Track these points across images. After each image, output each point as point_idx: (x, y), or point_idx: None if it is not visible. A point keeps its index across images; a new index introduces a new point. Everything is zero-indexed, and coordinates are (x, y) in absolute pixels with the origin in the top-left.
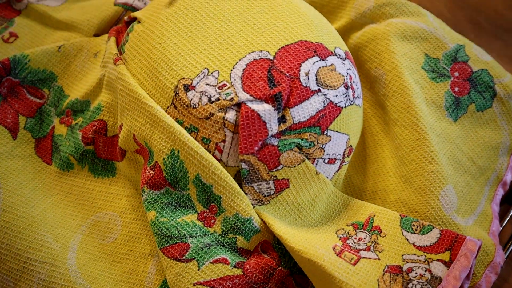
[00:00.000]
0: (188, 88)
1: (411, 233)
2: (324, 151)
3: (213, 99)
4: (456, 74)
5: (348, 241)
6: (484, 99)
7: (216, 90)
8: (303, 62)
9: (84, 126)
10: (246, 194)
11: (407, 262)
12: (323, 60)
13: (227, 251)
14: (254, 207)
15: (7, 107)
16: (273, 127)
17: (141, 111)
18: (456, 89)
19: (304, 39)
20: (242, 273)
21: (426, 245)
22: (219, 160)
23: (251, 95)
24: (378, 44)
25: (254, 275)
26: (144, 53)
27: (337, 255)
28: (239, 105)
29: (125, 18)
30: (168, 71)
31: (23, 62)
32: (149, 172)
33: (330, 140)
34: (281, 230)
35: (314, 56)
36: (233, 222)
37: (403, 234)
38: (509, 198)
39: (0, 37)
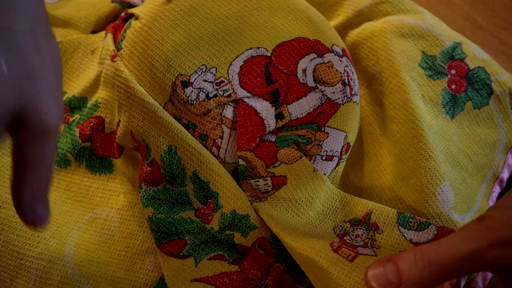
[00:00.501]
0: (185, 84)
1: (408, 229)
2: (321, 148)
3: (210, 95)
4: (453, 71)
5: (345, 238)
6: (481, 97)
7: (213, 87)
8: (300, 59)
9: (82, 122)
10: (243, 190)
11: None
12: (320, 57)
13: (225, 247)
14: (251, 203)
15: None
16: (271, 123)
17: (138, 107)
18: (453, 86)
19: (302, 36)
20: (239, 270)
21: (423, 242)
22: (217, 157)
23: (248, 92)
24: (375, 42)
25: (251, 271)
26: (141, 49)
27: (334, 251)
28: (236, 101)
29: (123, 14)
30: (166, 68)
31: None
32: (146, 168)
33: (327, 137)
34: (278, 226)
35: (311, 53)
36: (230, 219)
37: (400, 231)
38: None
39: None
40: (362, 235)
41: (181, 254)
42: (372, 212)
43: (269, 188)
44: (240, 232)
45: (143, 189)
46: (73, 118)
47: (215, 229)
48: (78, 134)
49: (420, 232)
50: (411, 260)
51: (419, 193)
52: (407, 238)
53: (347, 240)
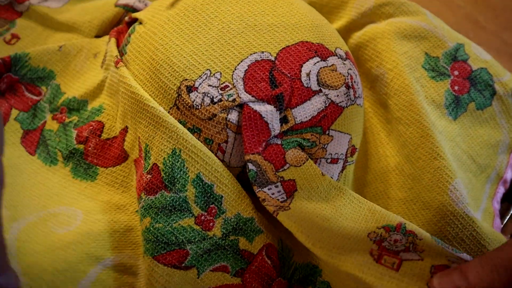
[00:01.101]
0: (190, 89)
1: (446, 247)
2: (326, 151)
3: (215, 100)
4: (456, 72)
5: (383, 244)
6: (484, 98)
7: (218, 91)
8: (304, 62)
9: (81, 125)
10: (264, 200)
11: (453, 262)
12: (324, 60)
13: (229, 254)
14: (277, 214)
15: (3, 101)
16: (275, 127)
17: (143, 112)
18: (456, 87)
19: (305, 40)
20: (241, 283)
21: (464, 259)
22: (222, 161)
23: (253, 96)
24: (378, 43)
25: (253, 285)
26: (146, 54)
27: (377, 261)
28: (241, 106)
29: (126, 18)
30: (171, 73)
31: (23, 60)
32: (146, 177)
33: (332, 140)
34: (310, 240)
35: (315, 56)
36: (235, 223)
37: (438, 244)
38: (509, 197)
39: (2, 38)
40: (401, 240)
41: (183, 264)
42: (405, 223)
43: (284, 196)
44: (245, 237)
45: (143, 199)
46: (70, 119)
47: (217, 236)
48: (75, 136)
49: (457, 253)
50: (477, 266)
51: (431, 193)
52: (448, 251)
53: (386, 246)
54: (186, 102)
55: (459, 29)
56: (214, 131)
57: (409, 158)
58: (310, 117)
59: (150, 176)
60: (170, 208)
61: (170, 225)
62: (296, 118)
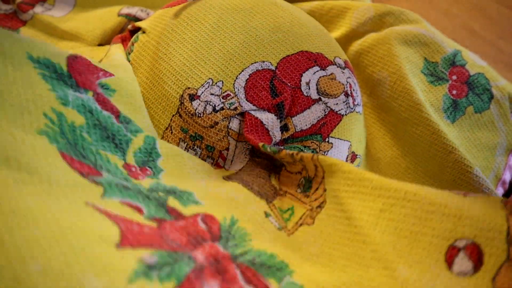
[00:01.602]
0: (193, 97)
1: None
2: None
3: (217, 108)
4: (454, 77)
5: None
6: (482, 101)
7: (220, 100)
8: (304, 72)
9: None
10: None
11: None
12: (323, 69)
13: (151, 203)
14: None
15: None
16: (276, 134)
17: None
18: (454, 91)
19: (305, 50)
20: (156, 227)
21: None
22: (223, 167)
23: (254, 105)
24: (380, 49)
25: (173, 233)
26: (149, 62)
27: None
28: (242, 114)
29: (129, 27)
30: (174, 81)
31: None
32: (107, 96)
33: (331, 147)
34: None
35: (314, 66)
36: (170, 189)
37: None
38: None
39: None
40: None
41: (89, 177)
42: None
43: None
44: (178, 200)
45: (82, 93)
46: None
47: (144, 187)
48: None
49: None
50: None
51: (455, 187)
52: None
53: None
54: (189, 110)
55: (455, 38)
56: (216, 139)
57: (422, 156)
58: (310, 125)
59: (111, 97)
60: (109, 134)
61: (97, 148)
62: (297, 126)
